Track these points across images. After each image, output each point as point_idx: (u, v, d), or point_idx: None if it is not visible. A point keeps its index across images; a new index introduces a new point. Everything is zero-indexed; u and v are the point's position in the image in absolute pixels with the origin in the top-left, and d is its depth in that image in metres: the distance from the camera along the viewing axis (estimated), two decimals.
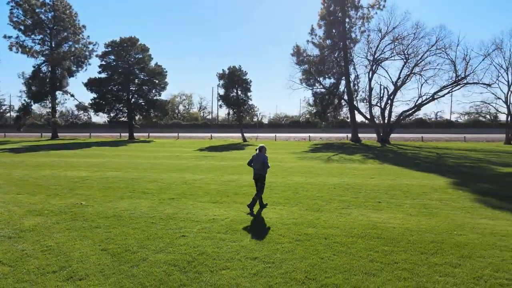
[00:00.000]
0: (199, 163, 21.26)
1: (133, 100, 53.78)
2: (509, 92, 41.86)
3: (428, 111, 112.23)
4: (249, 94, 46.99)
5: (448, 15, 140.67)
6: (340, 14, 45.20)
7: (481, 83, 40.47)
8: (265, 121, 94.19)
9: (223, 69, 47.32)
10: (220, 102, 48.36)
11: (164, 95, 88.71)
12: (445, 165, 20.54)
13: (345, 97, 46.25)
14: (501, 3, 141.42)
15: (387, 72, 52.66)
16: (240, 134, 48.76)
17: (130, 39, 51.82)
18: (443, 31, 57.59)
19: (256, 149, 10.14)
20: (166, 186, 13.46)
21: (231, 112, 47.96)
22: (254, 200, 9.90)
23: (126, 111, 53.74)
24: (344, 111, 48.80)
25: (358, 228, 8.14)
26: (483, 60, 41.04)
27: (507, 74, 41.64)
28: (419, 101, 41.76)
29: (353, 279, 5.56)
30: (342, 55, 45.84)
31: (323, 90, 46.69)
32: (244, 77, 46.22)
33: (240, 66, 46.65)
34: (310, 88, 46.87)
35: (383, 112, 42.70)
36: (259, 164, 9.86)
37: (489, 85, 40.69)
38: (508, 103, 42.29)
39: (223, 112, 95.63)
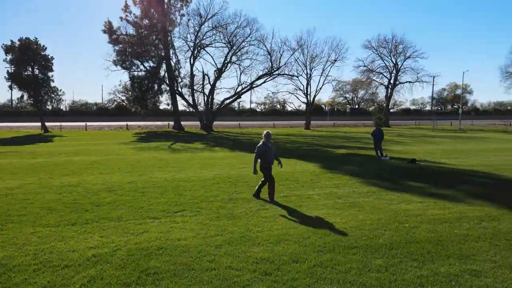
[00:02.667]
0: None
1: None
2: (308, 85, 48.22)
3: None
4: (50, 74, 38.08)
5: (261, 8, 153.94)
6: None
7: (288, 75, 44.99)
8: (64, 107, 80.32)
9: (12, 40, 36.64)
10: (10, 83, 37.31)
11: None
12: (289, 150, 21.06)
13: (167, 82, 43.39)
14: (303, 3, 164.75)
15: (213, 59, 51.64)
16: (39, 124, 39.20)
17: None
18: (256, 24, 61.27)
19: (264, 136, 8.65)
20: None
21: (25, 95, 37.84)
22: (261, 188, 9.06)
23: None
24: (166, 98, 45.93)
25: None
26: (291, 55, 45.53)
27: (306, 68, 47.67)
28: (239, 89, 43.16)
29: None
30: (162, 38, 42.66)
31: (142, 74, 42.42)
32: (42, 53, 37.06)
33: (36, 38, 37.17)
34: (127, 70, 41.81)
35: (208, 99, 42.17)
36: (272, 158, 8.71)
37: (296, 76, 45.70)
38: (307, 94, 48.70)
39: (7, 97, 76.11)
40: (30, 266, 5.05)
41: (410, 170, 13.60)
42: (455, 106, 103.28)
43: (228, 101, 44.03)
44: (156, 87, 43.76)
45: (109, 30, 41.01)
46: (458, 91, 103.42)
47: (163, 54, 42.45)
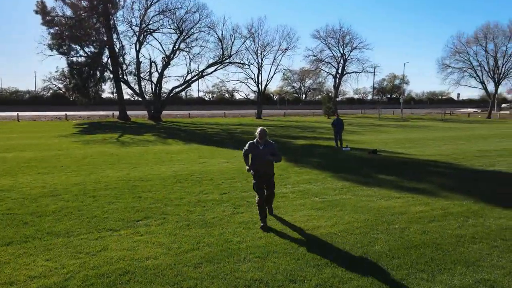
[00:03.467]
0: None
1: None
2: (260, 74, 47.58)
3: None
4: None
5: None
6: None
7: (240, 63, 43.98)
8: None
9: None
10: None
11: None
12: (246, 141, 20.24)
13: (110, 69, 40.35)
14: None
15: (161, 45, 48.51)
16: None
17: None
18: (206, 10, 58.87)
19: (256, 133, 6.49)
20: None
21: None
22: (263, 211, 6.42)
23: None
24: (109, 86, 42.87)
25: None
26: (243, 43, 44.46)
27: (257, 57, 46.92)
28: (189, 78, 41.40)
29: None
30: (104, 21, 39.47)
31: (82, 59, 39.04)
32: None
33: None
34: (65, 56, 38.21)
35: (156, 88, 39.93)
36: (263, 164, 6.43)
37: (247, 65, 44.79)
38: (258, 83, 48.07)
39: None
40: None
41: (373, 162, 13.43)
42: (394, 96, 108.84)
43: (177, 89, 42.12)
44: (98, 75, 40.60)
45: (42, 10, 37.08)
46: (397, 82, 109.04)
47: (105, 38, 39.35)
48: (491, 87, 52.61)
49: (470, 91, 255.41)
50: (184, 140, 20.63)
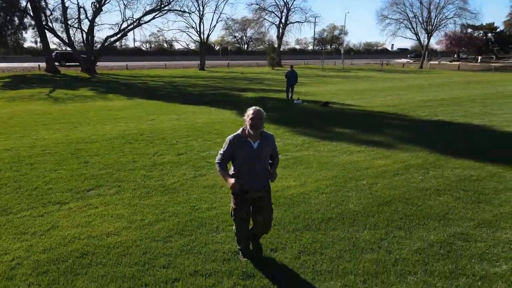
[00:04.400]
0: None
1: None
2: (201, 22, 45.08)
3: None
4: None
5: None
6: None
7: (180, 11, 41.18)
8: None
9: None
10: None
11: None
12: (194, 95, 19.34)
13: (31, 15, 35.60)
14: None
15: None
16: None
17: None
18: None
19: (246, 118, 3.61)
20: None
21: None
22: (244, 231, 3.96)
23: None
24: (31, 34, 38.09)
25: None
26: None
27: (199, 4, 44.15)
28: (124, 26, 38.07)
29: None
30: None
31: None
32: None
33: None
34: None
35: (88, 37, 36.22)
36: (260, 166, 3.75)
37: (188, 13, 42.08)
38: (200, 32, 45.72)
39: None
40: None
41: (327, 115, 13.43)
42: (333, 46, 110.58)
43: (112, 39, 38.64)
44: (17, 21, 35.78)
45: None
46: (336, 32, 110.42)
47: None
48: (423, 38, 55.15)
49: (404, 41, 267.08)
50: (126, 94, 19.14)
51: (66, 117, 12.40)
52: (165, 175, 6.70)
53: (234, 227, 4.06)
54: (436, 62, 59.25)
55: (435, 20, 52.25)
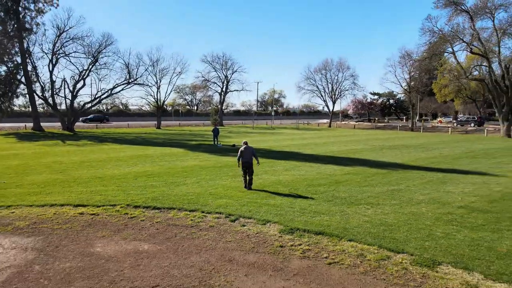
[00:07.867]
0: None
1: None
2: (158, 91, 58.08)
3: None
4: None
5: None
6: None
7: (143, 84, 54.13)
8: None
9: None
10: None
11: None
12: (158, 143, 31.16)
13: (24, 83, 46.19)
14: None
15: (74, 65, 53.64)
16: None
17: None
18: (112, 39, 66.17)
19: (242, 143, 13.21)
20: None
21: None
22: (250, 180, 12.73)
23: None
24: (22, 100, 48.47)
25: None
26: (145, 70, 54.86)
27: (157, 79, 57.44)
28: (99, 95, 49.81)
29: None
30: (17, 43, 45.40)
31: None
32: None
33: None
34: None
35: (71, 103, 47.34)
36: (249, 155, 12.70)
37: (149, 86, 55.22)
38: (158, 99, 58.46)
39: None
40: None
41: (232, 149, 25.91)
42: (274, 108, 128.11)
43: (88, 105, 49.98)
44: (13, 91, 46.18)
45: None
46: (276, 96, 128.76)
47: (15, 59, 45.09)
48: (330, 104, 72.33)
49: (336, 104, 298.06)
50: (118, 143, 30.51)
51: (52, 165, 23.67)
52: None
53: (242, 177, 13.20)
54: (343, 122, 76.21)
55: (337, 91, 69.82)
